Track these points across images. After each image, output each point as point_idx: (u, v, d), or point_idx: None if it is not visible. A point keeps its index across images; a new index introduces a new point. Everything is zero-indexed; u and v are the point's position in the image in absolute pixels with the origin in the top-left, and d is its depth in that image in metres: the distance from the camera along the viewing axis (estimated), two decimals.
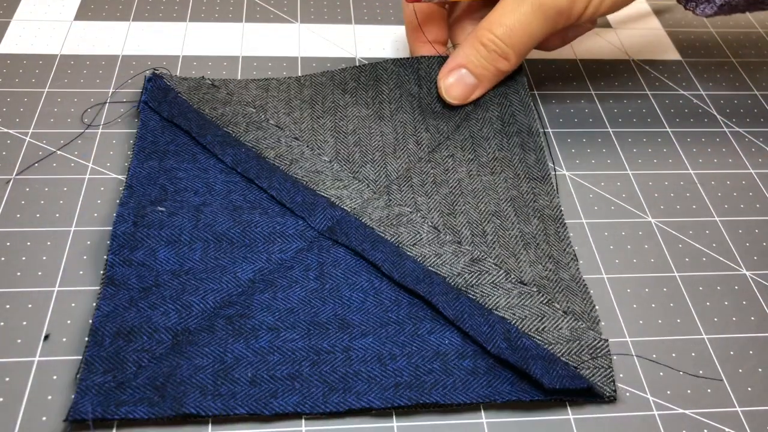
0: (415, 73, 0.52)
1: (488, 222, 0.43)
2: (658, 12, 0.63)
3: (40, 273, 0.40)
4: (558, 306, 0.40)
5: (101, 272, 0.40)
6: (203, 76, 0.50)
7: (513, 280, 0.40)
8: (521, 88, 0.51)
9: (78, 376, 0.35)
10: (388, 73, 0.52)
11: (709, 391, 0.38)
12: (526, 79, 0.51)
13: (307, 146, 0.47)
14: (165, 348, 0.36)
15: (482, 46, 0.47)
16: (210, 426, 0.35)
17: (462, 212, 0.44)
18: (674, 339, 0.40)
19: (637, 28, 0.61)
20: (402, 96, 0.51)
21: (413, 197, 0.44)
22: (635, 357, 0.39)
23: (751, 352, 0.40)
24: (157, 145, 0.45)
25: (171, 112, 0.47)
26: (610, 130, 0.52)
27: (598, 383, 0.37)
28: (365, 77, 0.51)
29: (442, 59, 0.52)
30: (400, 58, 0.52)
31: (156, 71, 0.50)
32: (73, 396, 0.34)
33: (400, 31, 0.59)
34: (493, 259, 0.41)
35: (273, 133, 0.47)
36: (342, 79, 0.51)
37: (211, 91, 0.49)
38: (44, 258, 0.40)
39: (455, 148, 0.48)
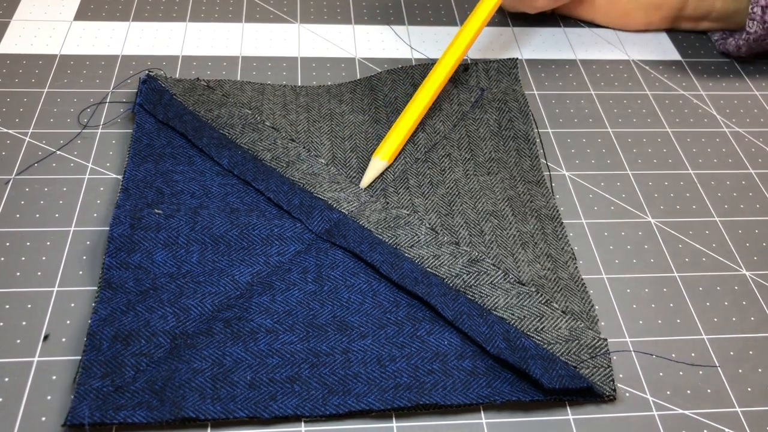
0: (410, 78, 0.52)
1: (486, 222, 0.43)
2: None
3: (39, 273, 0.40)
4: (557, 305, 0.40)
5: (100, 273, 0.40)
6: (198, 78, 0.50)
7: (511, 280, 0.40)
8: (521, 98, 0.51)
9: (76, 380, 0.35)
10: (382, 81, 0.52)
11: (708, 391, 0.38)
12: (524, 92, 0.52)
13: (304, 148, 0.47)
14: (163, 351, 0.36)
15: None
16: (209, 429, 0.35)
17: (459, 212, 0.44)
18: (674, 339, 0.40)
19: (637, 28, 0.61)
20: (398, 98, 0.51)
21: (410, 199, 0.44)
22: (633, 353, 0.39)
23: (751, 352, 0.40)
24: (153, 147, 0.45)
25: (166, 115, 0.47)
26: (610, 130, 0.52)
27: (598, 382, 0.37)
28: (361, 88, 0.52)
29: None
30: (395, 69, 0.53)
31: (150, 73, 0.50)
32: (71, 399, 0.34)
33: (400, 31, 0.59)
34: (491, 260, 0.41)
35: (269, 135, 0.47)
36: (338, 92, 0.51)
37: (207, 92, 0.49)
38: (43, 258, 0.40)
39: (452, 147, 0.48)
